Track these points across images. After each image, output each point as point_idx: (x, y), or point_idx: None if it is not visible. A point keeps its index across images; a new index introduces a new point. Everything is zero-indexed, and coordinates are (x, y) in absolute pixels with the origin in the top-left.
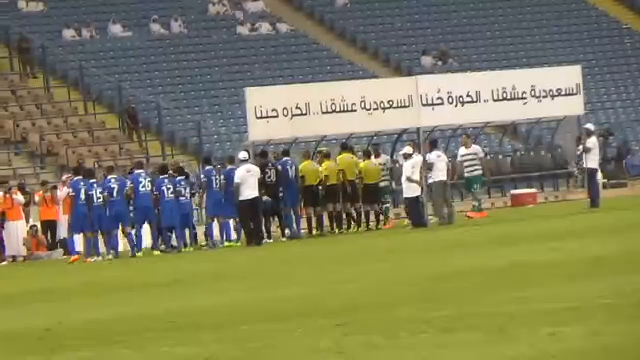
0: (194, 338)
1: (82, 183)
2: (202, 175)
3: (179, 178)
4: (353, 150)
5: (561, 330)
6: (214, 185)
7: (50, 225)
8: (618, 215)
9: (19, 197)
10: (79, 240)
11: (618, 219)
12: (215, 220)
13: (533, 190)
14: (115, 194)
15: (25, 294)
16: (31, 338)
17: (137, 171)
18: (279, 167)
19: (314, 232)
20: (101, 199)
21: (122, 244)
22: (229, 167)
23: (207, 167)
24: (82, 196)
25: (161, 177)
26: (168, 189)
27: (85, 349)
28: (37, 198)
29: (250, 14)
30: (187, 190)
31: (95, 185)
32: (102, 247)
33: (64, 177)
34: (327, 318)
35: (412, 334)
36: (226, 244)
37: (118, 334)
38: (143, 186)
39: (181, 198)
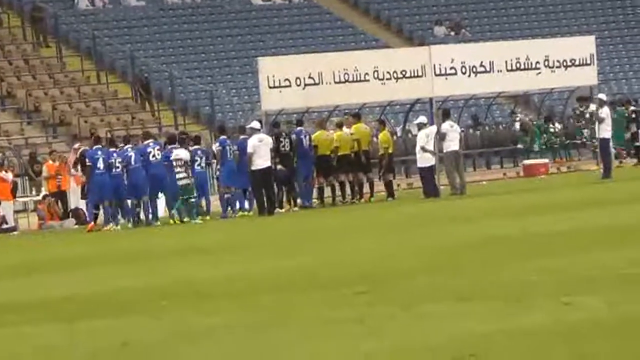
0: (212, 307)
1: (99, 152)
2: (217, 145)
3: (195, 147)
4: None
5: (578, 299)
6: (228, 155)
7: (60, 196)
8: (631, 186)
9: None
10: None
11: (631, 189)
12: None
13: (545, 160)
14: (132, 162)
15: (43, 264)
16: (51, 307)
17: (146, 141)
18: (293, 137)
19: (327, 202)
20: (120, 168)
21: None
22: (240, 137)
23: (222, 137)
24: (100, 165)
25: (170, 146)
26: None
27: (105, 318)
28: (45, 170)
29: None
30: (203, 159)
31: (115, 154)
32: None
33: (75, 146)
34: (345, 287)
35: (430, 303)
36: (240, 213)
37: (137, 302)
38: (153, 156)
39: (197, 167)
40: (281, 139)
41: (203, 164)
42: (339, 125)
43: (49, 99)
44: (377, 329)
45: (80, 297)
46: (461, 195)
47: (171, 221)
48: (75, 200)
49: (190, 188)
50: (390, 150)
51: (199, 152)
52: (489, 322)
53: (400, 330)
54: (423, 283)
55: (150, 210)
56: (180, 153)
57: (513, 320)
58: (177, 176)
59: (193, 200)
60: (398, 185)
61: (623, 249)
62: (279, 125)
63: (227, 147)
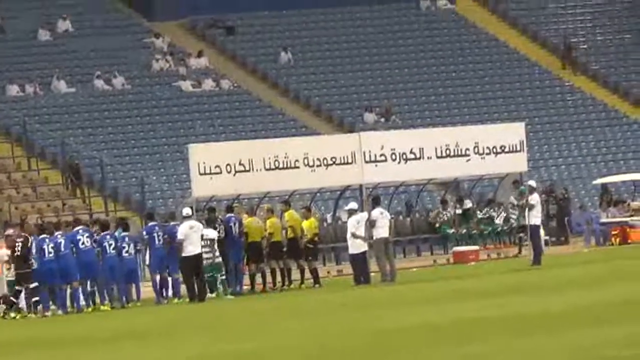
0: None
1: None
2: (144, 232)
3: (123, 234)
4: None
5: None
6: (156, 242)
7: None
8: (560, 273)
9: None
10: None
11: (560, 276)
12: (159, 276)
13: (475, 247)
14: (62, 248)
15: None
16: None
17: (76, 228)
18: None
19: (257, 288)
20: (52, 254)
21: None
22: (171, 223)
23: (150, 224)
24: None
25: (103, 233)
26: (110, 245)
27: None
28: None
29: (194, 70)
30: (132, 246)
31: (47, 240)
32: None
33: (7, 232)
34: None
35: None
36: (175, 300)
37: None
38: (83, 243)
39: (125, 254)
40: (216, 225)
41: (132, 251)
42: (271, 212)
43: None
44: None
45: None
46: (391, 282)
47: (102, 307)
48: (4, 287)
49: (217, 265)
50: (316, 238)
51: (126, 238)
52: None
53: None
54: None
55: (80, 297)
56: (210, 233)
57: None
58: (205, 256)
59: (223, 277)
60: (328, 272)
61: (555, 335)
62: (214, 211)
63: (155, 234)
